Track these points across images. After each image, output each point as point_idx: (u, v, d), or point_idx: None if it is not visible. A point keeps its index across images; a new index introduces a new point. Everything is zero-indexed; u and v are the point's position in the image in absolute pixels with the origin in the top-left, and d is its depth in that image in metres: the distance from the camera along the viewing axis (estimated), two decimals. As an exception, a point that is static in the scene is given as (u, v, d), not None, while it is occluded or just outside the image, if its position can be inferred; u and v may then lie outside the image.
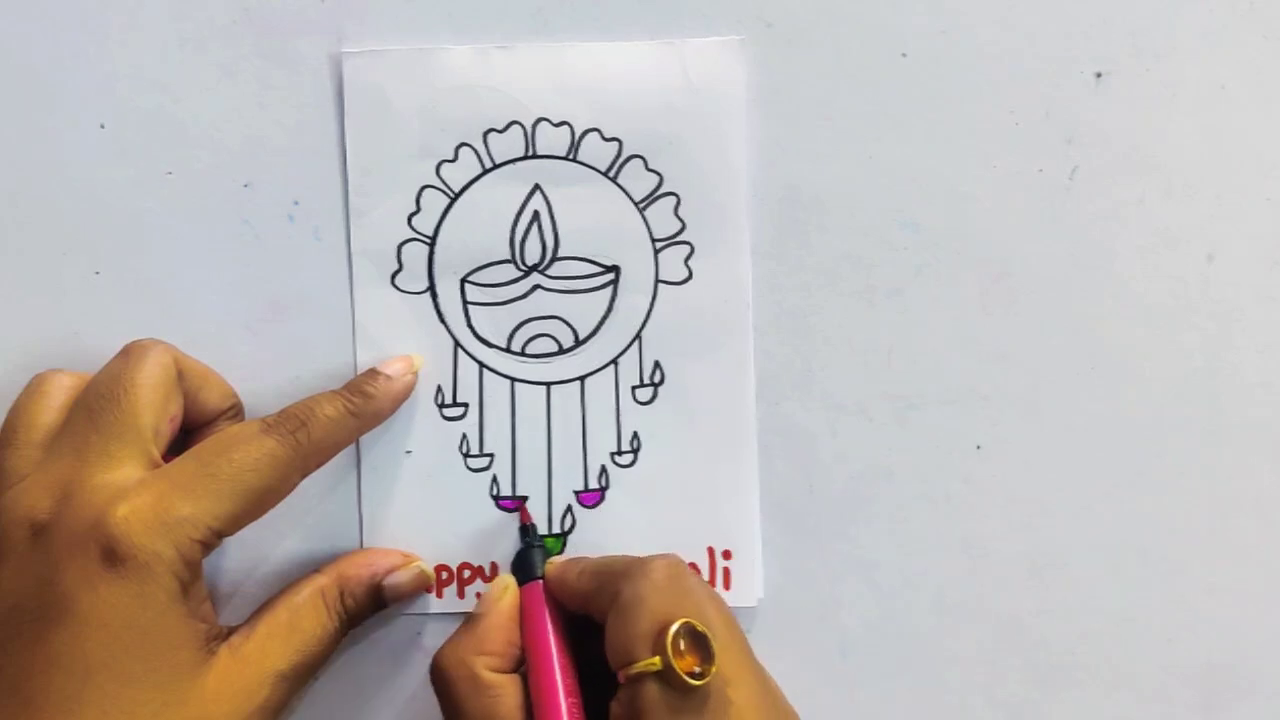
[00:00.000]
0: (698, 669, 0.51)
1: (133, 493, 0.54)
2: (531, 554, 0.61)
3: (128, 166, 0.62)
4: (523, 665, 0.57)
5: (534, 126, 0.62)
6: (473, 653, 0.56)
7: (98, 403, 0.56)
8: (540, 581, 0.59)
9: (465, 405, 0.62)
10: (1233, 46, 0.63)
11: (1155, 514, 0.64)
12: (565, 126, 0.62)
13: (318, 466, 0.58)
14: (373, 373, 0.61)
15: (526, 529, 0.62)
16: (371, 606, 0.61)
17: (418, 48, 0.62)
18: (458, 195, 0.62)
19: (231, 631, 0.57)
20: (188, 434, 0.60)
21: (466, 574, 0.63)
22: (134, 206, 0.62)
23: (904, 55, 0.63)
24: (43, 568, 0.53)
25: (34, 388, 0.59)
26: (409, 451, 0.63)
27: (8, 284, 0.62)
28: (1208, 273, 0.63)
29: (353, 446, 0.62)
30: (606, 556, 0.59)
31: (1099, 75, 0.63)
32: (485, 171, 0.62)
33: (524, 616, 0.58)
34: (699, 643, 0.52)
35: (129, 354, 0.58)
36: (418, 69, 0.62)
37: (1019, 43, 0.63)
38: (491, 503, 0.63)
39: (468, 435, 0.63)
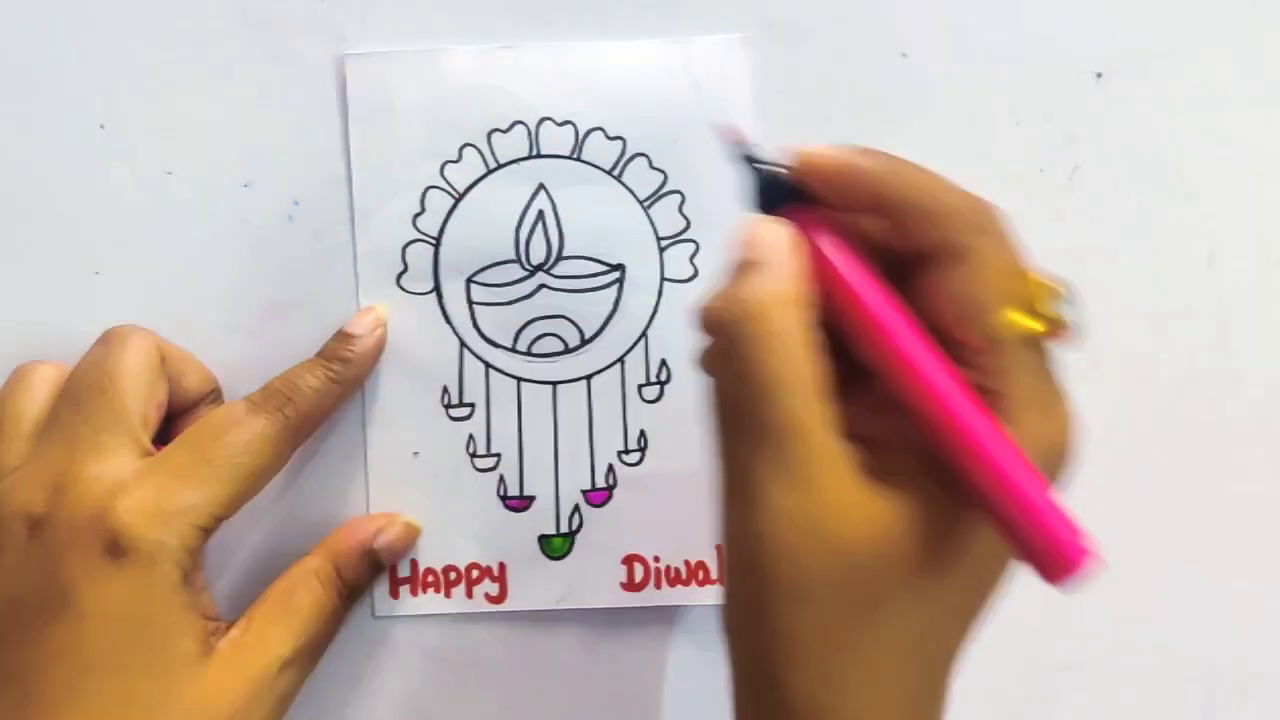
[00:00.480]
0: (1068, 331, 0.46)
1: (131, 484, 0.54)
2: (774, 172, 0.48)
3: (128, 166, 0.62)
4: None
5: (538, 126, 0.62)
6: (782, 301, 0.46)
7: (84, 393, 0.56)
8: (802, 206, 0.47)
9: (471, 405, 0.62)
10: (1233, 46, 0.63)
11: (1155, 514, 0.64)
12: (569, 126, 0.62)
13: (307, 437, 0.59)
14: (345, 335, 0.60)
15: (752, 162, 0.49)
16: (369, 574, 0.61)
17: (421, 49, 0.62)
18: (462, 196, 0.62)
19: (231, 624, 0.57)
20: (169, 420, 0.60)
21: (475, 574, 0.63)
22: (134, 206, 0.62)
23: (904, 55, 0.63)
24: (43, 561, 0.53)
25: (16, 380, 0.59)
26: (416, 453, 0.62)
27: (7, 284, 0.62)
28: (1208, 273, 0.64)
29: (360, 449, 0.62)
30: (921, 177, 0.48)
31: (1099, 75, 0.63)
32: (489, 172, 0.62)
33: (815, 253, 0.47)
34: (1070, 304, 0.47)
35: (109, 341, 0.58)
36: (421, 70, 0.62)
37: (1019, 43, 0.63)
38: (499, 503, 0.63)
39: (474, 435, 0.63)
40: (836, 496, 0.45)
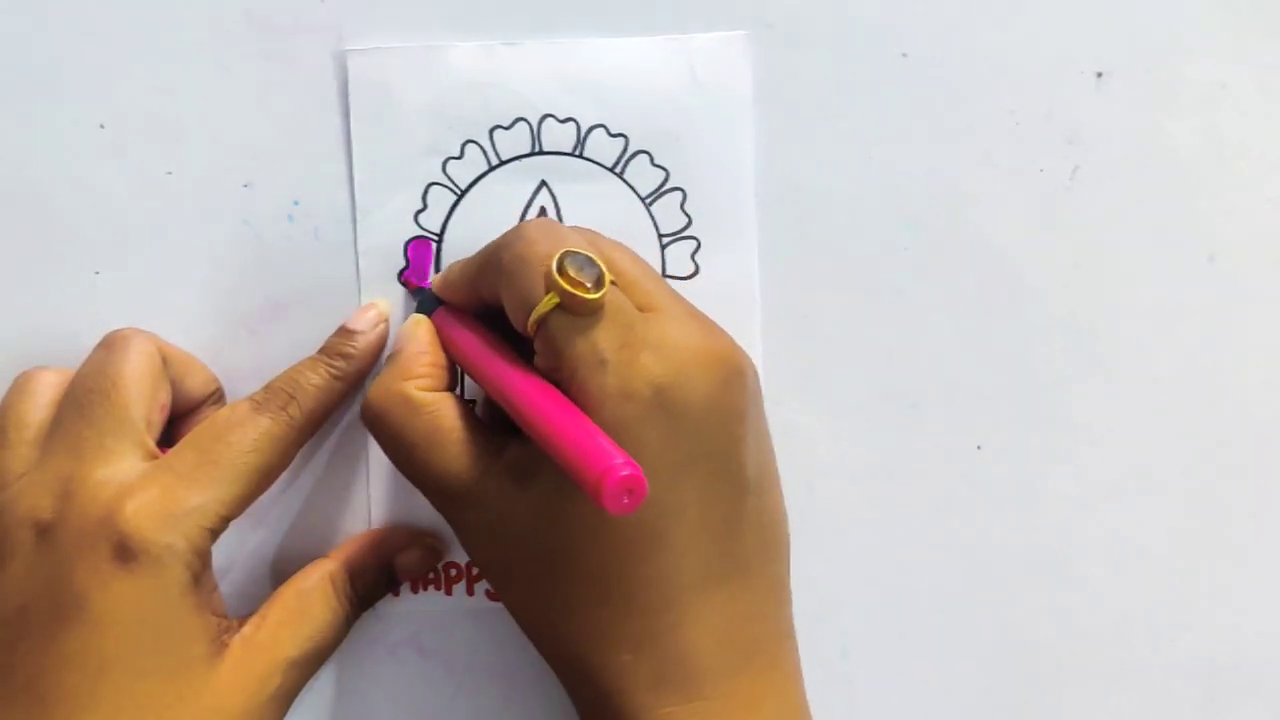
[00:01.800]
0: (589, 287, 0.52)
1: (138, 487, 0.54)
2: (423, 292, 0.61)
3: (128, 166, 0.62)
4: (452, 386, 0.58)
5: (540, 123, 0.62)
6: (400, 380, 0.56)
7: (87, 397, 0.56)
8: (443, 305, 0.60)
9: (473, 402, 0.62)
10: (1233, 46, 0.63)
11: (1155, 514, 0.64)
12: (571, 123, 0.62)
13: (311, 435, 0.59)
14: (347, 332, 0.60)
15: (415, 291, 0.62)
16: (383, 588, 0.61)
17: (423, 45, 0.62)
18: (464, 192, 0.62)
19: (242, 622, 0.57)
20: (172, 422, 0.60)
21: (475, 571, 0.63)
22: (134, 206, 0.62)
23: (904, 55, 0.63)
24: (52, 567, 0.53)
25: (20, 386, 0.59)
26: (418, 448, 0.63)
27: (6, 284, 0.62)
28: (1208, 273, 0.64)
29: (363, 447, 0.63)
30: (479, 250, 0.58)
31: (1099, 75, 0.63)
32: (492, 168, 0.62)
33: (443, 334, 0.59)
34: (587, 265, 0.52)
35: (111, 345, 0.58)
36: (423, 66, 0.62)
37: (1019, 43, 0.63)
38: (500, 499, 0.63)
39: (477, 432, 0.63)
40: (498, 505, 0.54)
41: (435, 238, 0.62)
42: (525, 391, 0.53)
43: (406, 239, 0.62)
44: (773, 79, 0.63)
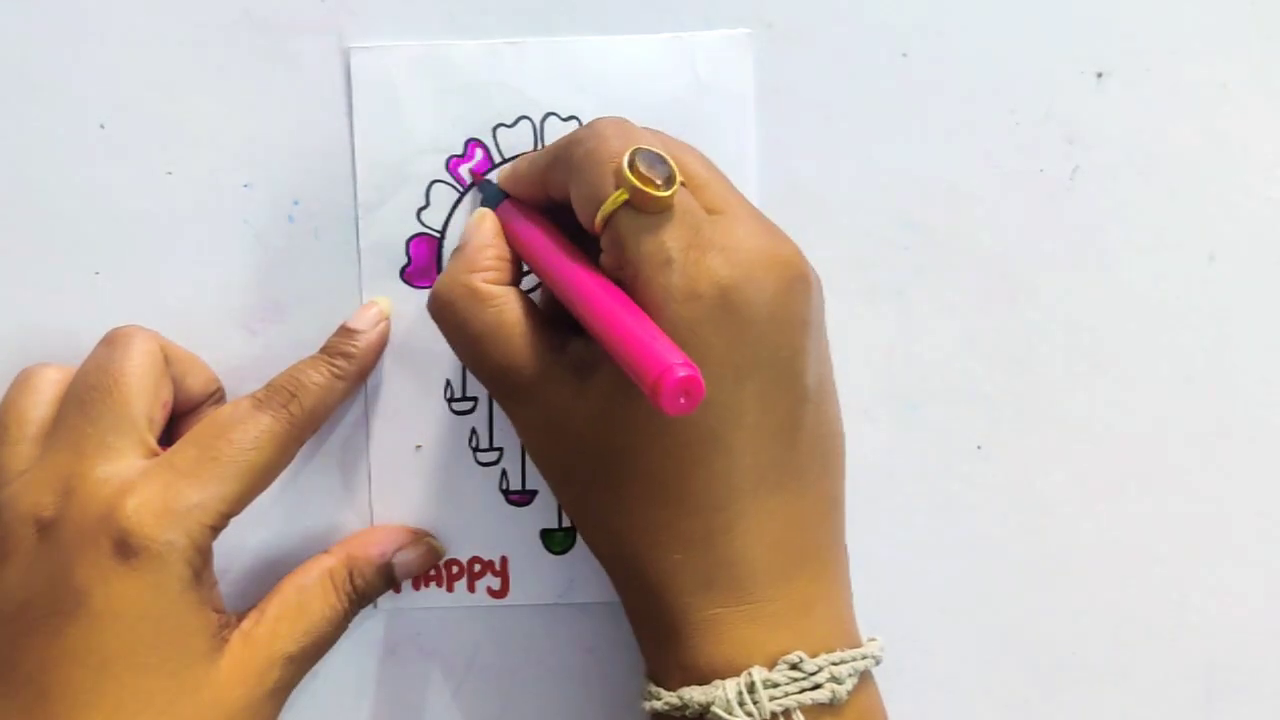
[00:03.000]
0: (659, 184, 0.51)
1: (140, 484, 0.54)
2: (488, 185, 0.61)
3: (128, 166, 0.62)
4: (517, 280, 0.58)
5: (543, 121, 0.62)
6: (466, 272, 0.56)
7: (89, 394, 0.56)
8: (508, 198, 0.60)
9: (474, 399, 0.62)
10: (1233, 46, 0.63)
11: (1155, 514, 0.64)
12: (574, 121, 0.62)
13: (312, 433, 0.59)
14: (348, 331, 0.61)
15: (480, 184, 0.62)
16: (382, 585, 0.61)
17: (426, 43, 0.62)
18: (467, 190, 0.62)
19: (242, 617, 0.57)
20: (173, 421, 0.60)
21: (477, 568, 0.63)
22: (134, 206, 0.62)
23: (904, 55, 0.63)
24: (53, 564, 0.53)
25: (21, 382, 0.59)
26: (419, 446, 0.62)
27: (7, 283, 0.62)
28: (1208, 273, 0.64)
29: (363, 443, 0.63)
30: (550, 143, 0.58)
31: (1099, 75, 0.63)
32: (495, 166, 0.62)
33: (508, 227, 0.58)
34: (658, 163, 0.52)
35: (113, 342, 0.58)
36: (426, 64, 0.62)
37: (1019, 43, 0.63)
38: (501, 497, 0.63)
39: (477, 429, 0.63)
40: (558, 401, 0.55)
41: (438, 235, 0.62)
42: (588, 288, 0.53)
43: (409, 236, 0.62)
44: (773, 78, 0.63)
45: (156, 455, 0.56)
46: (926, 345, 0.63)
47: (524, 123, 0.62)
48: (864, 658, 0.54)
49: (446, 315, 0.56)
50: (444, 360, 0.62)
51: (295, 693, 0.58)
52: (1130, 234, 0.63)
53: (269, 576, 0.60)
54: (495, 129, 0.62)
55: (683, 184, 0.53)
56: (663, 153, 0.52)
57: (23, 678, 0.53)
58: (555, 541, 0.63)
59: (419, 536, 0.62)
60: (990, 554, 0.64)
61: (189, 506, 0.54)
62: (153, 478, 0.54)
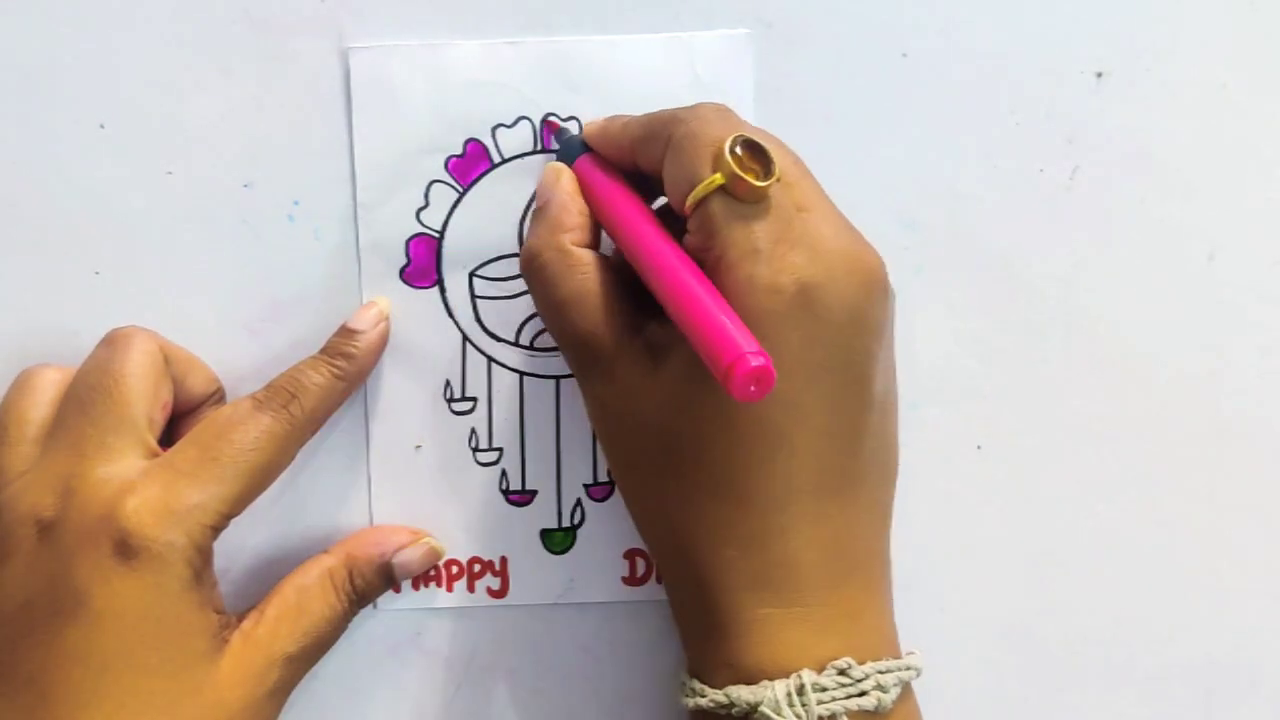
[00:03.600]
0: (759, 173, 0.51)
1: (140, 484, 0.54)
2: (570, 138, 0.61)
3: (128, 166, 0.62)
4: (596, 242, 0.57)
5: (542, 121, 0.62)
6: (558, 232, 0.56)
7: (89, 394, 0.56)
8: (588, 154, 0.59)
9: (474, 399, 0.62)
10: (1233, 46, 0.63)
11: (1155, 514, 0.64)
12: (573, 121, 0.62)
13: (313, 434, 0.59)
14: (349, 331, 0.60)
15: (559, 132, 0.62)
16: (381, 585, 0.61)
17: (425, 43, 0.62)
18: (466, 190, 0.62)
19: (242, 617, 0.57)
20: (173, 421, 0.60)
21: (477, 568, 0.63)
22: (134, 206, 0.62)
23: (904, 55, 0.63)
24: (53, 564, 0.53)
25: (22, 383, 0.59)
26: (418, 446, 0.63)
27: (7, 283, 0.62)
28: (1208, 273, 0.64)
29: (363, 444, 0.63)
30: (646, 113, 0.58)
31: (1099, 75, 0.63)
32: (494, 166, 0.62)
33: (586, 183, 0.58)
34: (757, 153, 0.52)
35: (113, 343, 0.58)
36: (426, 64, 0.62)
37: (1019, 43, 0.63)
38: (501, 497, 0.63)
39: (476, 429, 0.63)
40: (631, 381, 0.54)
41: (437, 235, 0.62)
42: (670, 263, 0.52)
43: (408, 236, 0.62)
44: (773, 78, 0.63)
45: (157, 456, 0.56)
46: (926, 345, 0.63)
47: (523, 123, 0.62)
48: (907, 669, 0.54)
49: (539, 276, 0.56)
50: (444, 360, 0.62)
51: (295, 693, 0.58)
52: (1130, 234, 0.63)
53: (269, 576, 0.60)
54: (495, 129, 0.62)
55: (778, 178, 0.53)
56: (765, 143, 0.52)
57: (23, 678, 0.53)
58: (555, 541, 0.63)
59: (419, 536, 0.62)
60: (990, 554, 0.64)
61: (189, 507, 0.54)
62: (153, 478, 0.54)
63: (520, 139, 0.62)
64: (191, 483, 0.54)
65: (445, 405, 0.63)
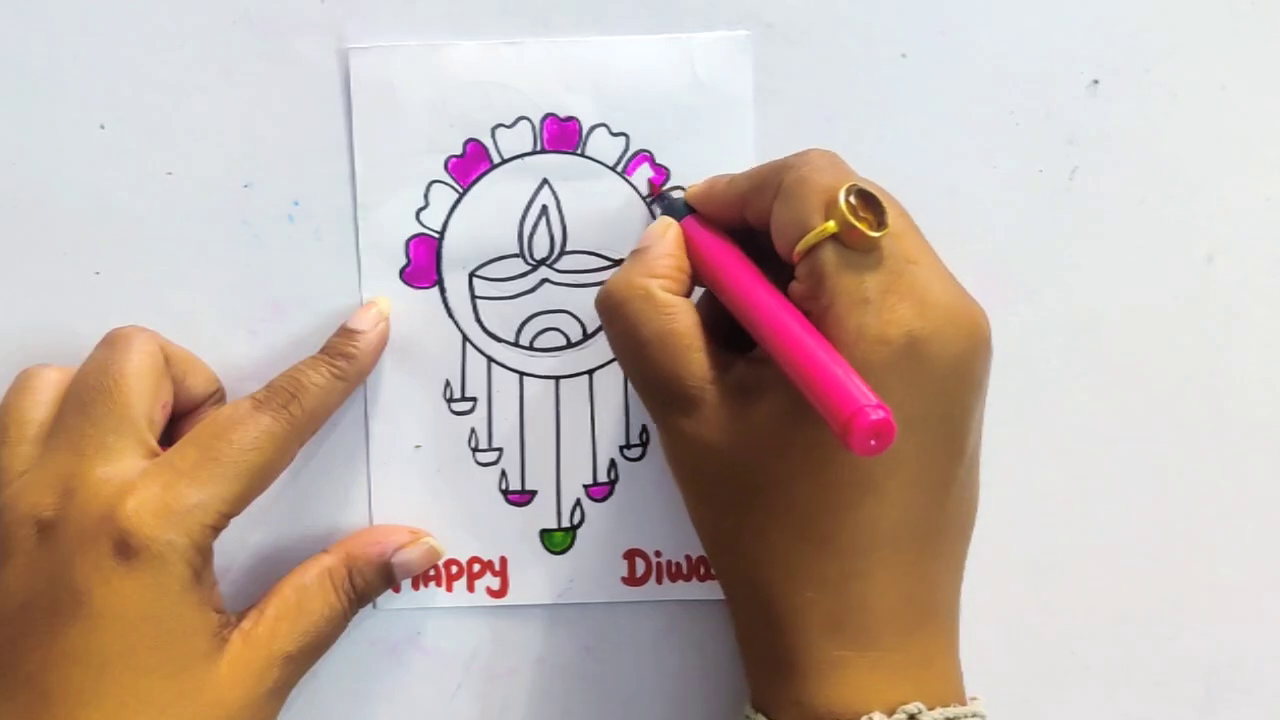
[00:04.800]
0: (872, 222, 0.51)
1: (139, 484, 0.54)
2: (675, 199, 0.61)
3: (128, 166, 0.62)
4: (689, 295, 0.58)
5: (542, 121, 0.62)
6: (645, 275, 0.56)
7: (89, 394, 0.56)
8: (692, 215, 0.59)
9: (474, 400, 0.63)
10: (1233, 46, 0.63)
11: (1155, 514, 0.64)
12: (573, 121, 0.62)
13: (313, 434, 0.59)
14: (348, 331, 0.60)
15: (661, 195, 0.62)
16: (381, 585, 0.61)
17: (425, 43, 0.62)
18: (466, 190, 0.62)
19: (241, 617, 0.57)
20: (173, 421, 0.60)
21: (476, 568, 0.63)
22: (134, 206, 0.62)
23: (904, 55, 0.63)
24: (53, 564, 0.53)
25: (21, 384, 0.59)
26: (418, 446, 0.63)
27: (7, 284, 0.62)
28: (1208, 273, 0.64)
29: (362, 443, 0.63)
30: (753, 167, 0.58)
31: (1098, 76, 0.63)
32: (494, 166, 0.62)
33: (692, 241, 0.58)
34: (869, 203, 0.52)
35: (113, 343, 0.58)
36: (425, 64, 0.62)
37: (1019, 43, 0.63)
38: (500, 497, 0.63)
39: (476, 429, 0.63)
40: (717, 419, 0.54)
41: (437, 235, 0.62)
42: (780, 317, 0.52)
43: (408, 236, 0.62)
44: (773, 78, 0.63)
45: (157, 456, 0.56)
46: (926, 345, 0.63)
47: (523, 123, 0.62)
48: (974, 715, 0.54)
49: (617, 315, 0.56)
50: (443, 360, 0.62)
51: (295, 693, 0.59)
52: (1129, 234, 0.63)
53: (269, 576, 0.60)
54: (494, 129, 0.62)
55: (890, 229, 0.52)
56: (877, 191, 0.52)
57: (23, 678, 0.53)
58: (554, 541, 0.63)
59: (418, 536, 0.62)
60: (990, 554, 0.63)
61: (189, 506, 0.54)
62: (153, 478, 0.54)
63: (520, 139, 0.62)
64: (191, 483, 0.54)
65: (445, 405, 0.63)
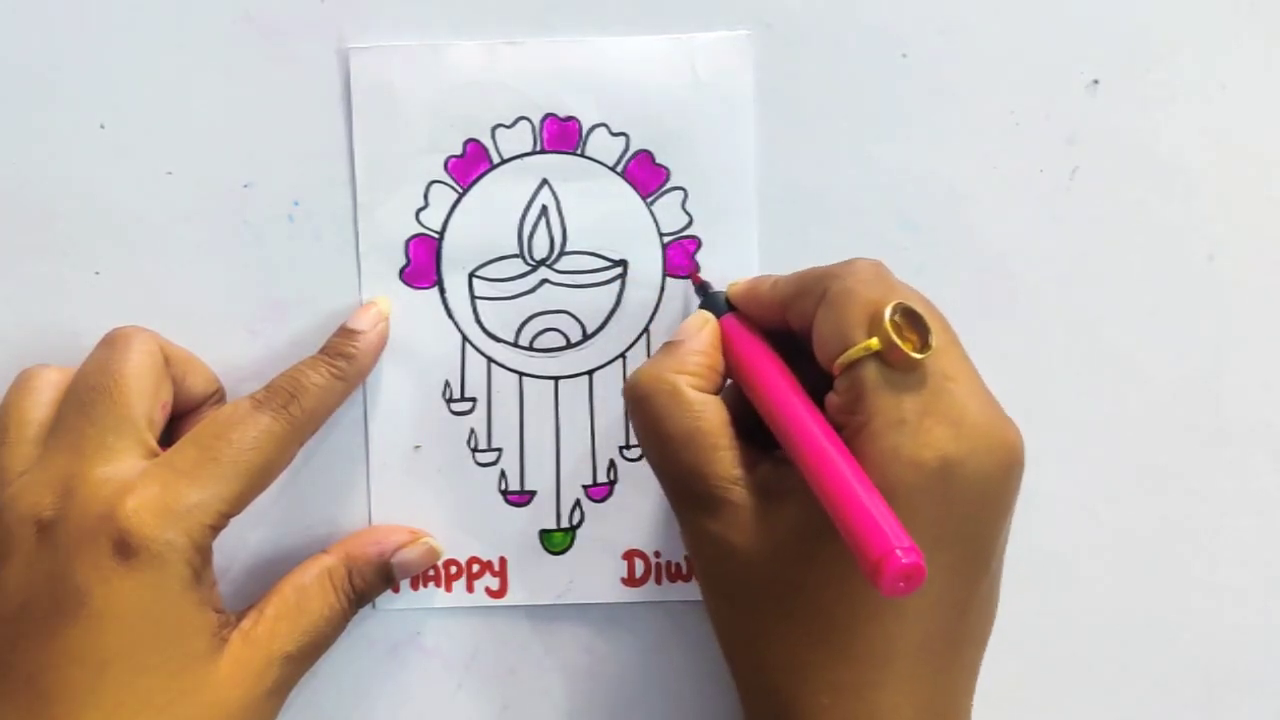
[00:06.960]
0: (917, 343, 0.51)
1: (139, 484, 0.54)
2: (716, 295, 0.60)
3: (127, 166, 0.62)
4: (719, 392, 0.57)
5: (542, 121, 0.62)
6: (674, 370, 0.56)
7: (89, 395, 0.56)
8: (732, 313, 0.59)
9: (473, 400, 0.63)
10: (1233, 46, 0.63)
11: (1155, 514, 0.64)
12: (573, 121, 0.62)
13: (312, 434, 0.59)
14: (348, 332, 0.60)
15: (701, 287, 0.62)
16: (381, 585, 0.61)
17: (425, 43, 0.62)
18: (466, 190, 0.62)
19: (241, 617, 0.57)
20: (173, 421, 0.60)
21: (475, 568, 0.63)
22: (134, 206, 0.62)
23: (904, 55, 0.63)
24: (53, 564, 0.53)
25: (21, 384, 0.59)
26: (418, 447, 0.63)
27: (7, 284, 0.62)
28: (1207, 272, 0.64)
29: (361, 444, 0.63)
30: (797, 271, 0.57)
31: (1099, 76, 0.63)
32: (493, 166, 0.62)
33: (729, 341, 0.58)
34: (914, 322, 0.51)
35: (113, 343, 0.58)
36: (425, 64, 0.62)
37: (1020, 43, 0.63)
38: (500, 497, 0.63)
39: (476, 430, 0.63)
40: (739, 519, 0.53)
41: (436, 235, 0.62)
42: (814, 437, 0.52)
43: (408, 236, 0.62)
44: (773, 79, 0.63)
45: (156, 456, 0.56)
46: (926, 345, 0.63)
47: (523, 123, 0.62)
48: None
49: (643, 407, 0.56)
50: (443, 360, 0.63)
51: (295, 693, 0.59)
52: (1129, 234, 0.63)
53: (269, 576, 0.60)
54: (494, 129, 0.62)
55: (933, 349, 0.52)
56: (924, 313, 0.52)
57: (22, 679, 0.53)
58: (554, 541, 0.63)
59: (418, 536, 0.62)
60: (990, 554, 0.64)
61: (189, 506, 0.54)
62: (152, 478, 0.54)
63: (520, 139, 0.62)
64: (191, 482, 0.54)
65: (444, 405, 0.63)
